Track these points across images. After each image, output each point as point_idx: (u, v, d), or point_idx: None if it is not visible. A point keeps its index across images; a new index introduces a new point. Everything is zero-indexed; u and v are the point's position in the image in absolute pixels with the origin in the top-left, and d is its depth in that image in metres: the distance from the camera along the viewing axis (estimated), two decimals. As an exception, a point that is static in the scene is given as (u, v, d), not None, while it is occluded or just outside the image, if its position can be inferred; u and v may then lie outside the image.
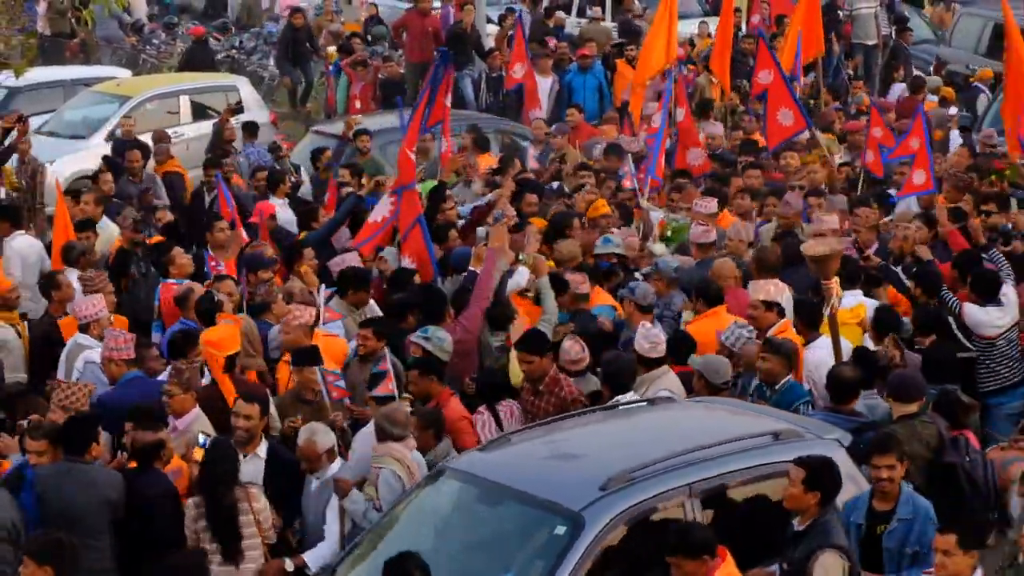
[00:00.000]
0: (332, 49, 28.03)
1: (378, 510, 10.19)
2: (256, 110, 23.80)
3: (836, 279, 11.89)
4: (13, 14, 17.54)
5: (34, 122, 21.66)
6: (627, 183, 17.02)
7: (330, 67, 27.21)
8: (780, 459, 9.71)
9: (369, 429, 10.97)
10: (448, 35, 26.46)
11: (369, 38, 29.00)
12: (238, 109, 22.46)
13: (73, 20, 27.16)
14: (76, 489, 10.09)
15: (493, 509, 9.60)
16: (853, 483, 10.00)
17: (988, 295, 12.92)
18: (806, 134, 19.00)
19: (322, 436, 10.52)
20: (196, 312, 13.07)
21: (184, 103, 23.38)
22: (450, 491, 9.82)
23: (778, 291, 12.65)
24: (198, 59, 27.68)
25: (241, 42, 31.27)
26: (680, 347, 12.00)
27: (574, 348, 12.12)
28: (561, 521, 9.05)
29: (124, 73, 26.54)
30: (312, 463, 10.52)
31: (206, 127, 21.63)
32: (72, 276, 13.98)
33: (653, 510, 9.23)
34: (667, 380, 11.61)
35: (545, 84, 23.92)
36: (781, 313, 12.48)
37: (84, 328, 12.83)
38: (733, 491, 9.53)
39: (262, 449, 10.71)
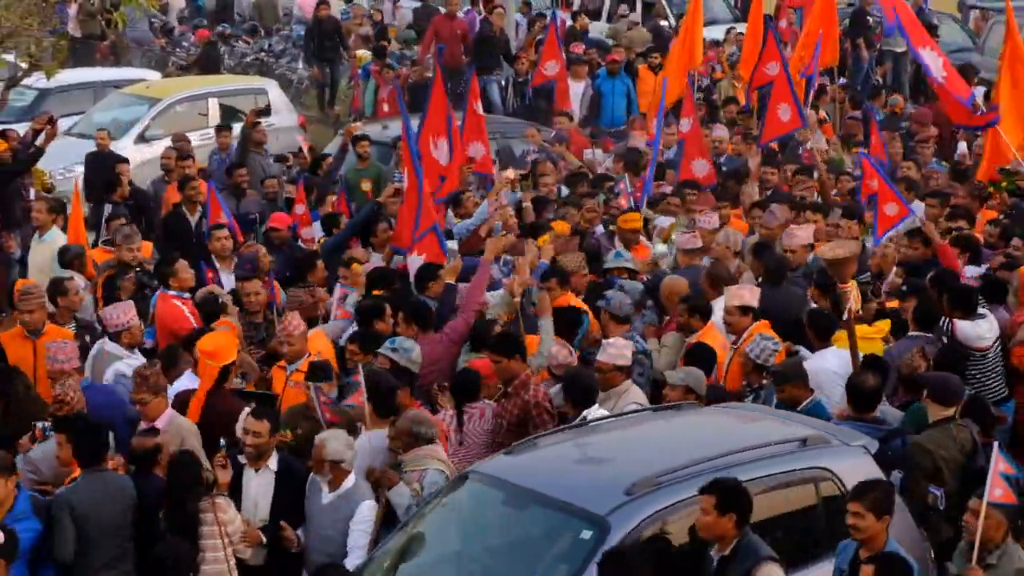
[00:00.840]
0: (361, 52, 28.09)
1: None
2: (285, 113, 23.89)
3: (853, 283, 11.84)
4: (44, 16, 17.62)
5: (64, 124, 21.77)
6: (623, 201, 16.78)
7: (359, 70, 27.27)
8: (807, 465, 9.71)
9: (366, 439, 10.87)
10: (476, 39, 26.52)
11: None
12: (264, 111, 22.52)
13: (103, 22, 27.28)
14: (105, 498, 10.09)
15: (518, 513, 9.57)
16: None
17: (966, 310, 12.55)
18: (824, 139, 18.96)
19: (331, 445, 10.28)
20: (200, 312, 13.09)
21: (213, 105, 23.46)
22: (476, 495, 9.79)
23: (752, 295, 12.69)
24: (211, 61, 27.79)
25: (270, 45, 31.38)
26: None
27: (561, 352, 12.13)
28: (587, 525, 9.03)
29: (153, 75, 26.65)
30: (316, 464, 10.38)
31: (235, 130, 21.68)
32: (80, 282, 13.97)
33: (680, 515, 9.21)
34: (633, 393, 11.55)
35: (578, 88, 23.97)
36: (756, 317, 12.56)
37: (114, 337, 12.64)
38: (760, 497, 9.49)
39: (273, 462, 10.51)
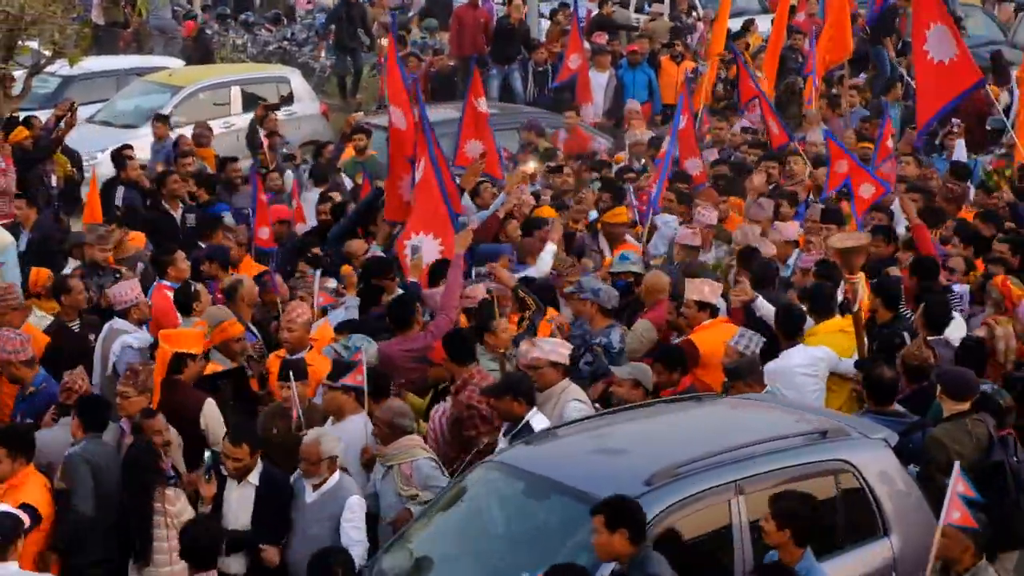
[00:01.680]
0: (384, 41, 28.10)
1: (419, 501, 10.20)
2: (307, 101, 23.92)
3: (862, 274, 11.79)
4: (68, 3, 17.67)
5: (87, 111, 21.87)
6: (629, 214, 16.43)
7: (382, 59, 27.27)
8: (827, 457, 9.70)
9: (350, 426, 10.82)
10: (496, 29, 26.54)
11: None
12: (287, 100, 22.56)
13: (126, 10, 27.36)
14: (110, 460, 10.36)
15: (538, 502, 9.58)
16: (902, 484, 9.98)
17: (936, 328, 12.28)
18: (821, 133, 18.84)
19: (328, 442, 10.20)
20: (175, 303, 13.07)
21: (235, 93, 23.50)
22: (495, 483, 9.81)
23: (713, 291, 12.63)
24: (203, 52, 27.82)
25: (292, 33, 31.42)
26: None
27: (531, 351, 11.66)
28: (606, 516, 9.04)
29: (176, 63, 26.70)
30: (311, 466, 10.17)
31: (246, 118, 21.77)
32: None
33: (699, 506, 9.21)
34: (572, 391, 11.30)
35: (601, 79, 23.97)
36: (714, 313, 12.55)
37: (122, 314, 12.80)
38: (779, 489, 9.48)
39: (254, 476, 10.28)
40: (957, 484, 8.66)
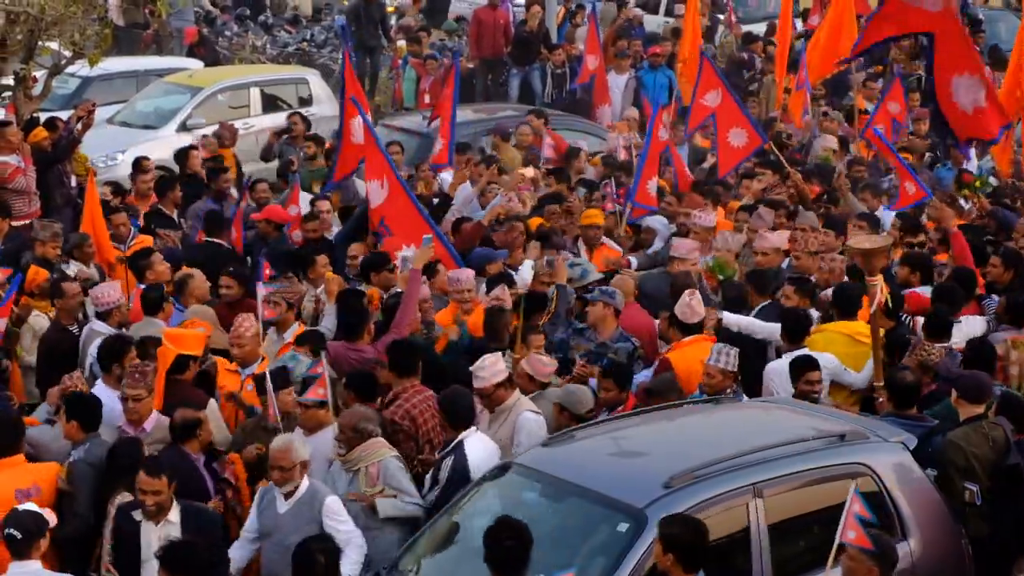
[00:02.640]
0: (402, 43, 28.15)
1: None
2: (326, 103, 23.93)
3: (880, 276, 11.79)
4: (89, 4, 17.70)
5: (106, 112, 21.90)
6: (608, 206, 16.41)
7: (400, 61, 27.32)
8: (846, 460, 9.69)
9: (321, 438, 10.72)
10: (515, 35, 26.61)
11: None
12: (306, 101, 22.59)
13: (147, 11, 27.40)
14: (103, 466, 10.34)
15: (556, 505, 9.59)
16: (920, 487, 9.98)
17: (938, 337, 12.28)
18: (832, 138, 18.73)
19: (300, 447, 10.04)
20: (142, 302, 13.02)
21: (255, 95, 23.53)
22: (513, 486, 9.82)
23: (696, 310, 12.32)
24: (207, 58, 27.87)
25: (312, 35, 31.45)
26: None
27: (498, 363, 11.40)
28: (624, 518, 9.05)
29: (196, 64, 26.75)
30: (285, 474, 9.95)
31: (277, 119, 21.76)
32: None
33: (717, 509, 9.21)
34: (523, 403, 11.14)
35: (619, 81, 23.95)
36: (691, 331, 12.28)
37: (103, 316, 12.84)
38: (798, 491, 9.50)
39: (174, 514, 9.74)
40: (854, 504, 8.52)
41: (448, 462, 10.41)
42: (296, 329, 12.80)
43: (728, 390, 11.20)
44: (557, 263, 13.65)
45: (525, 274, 14.17)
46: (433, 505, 10.24)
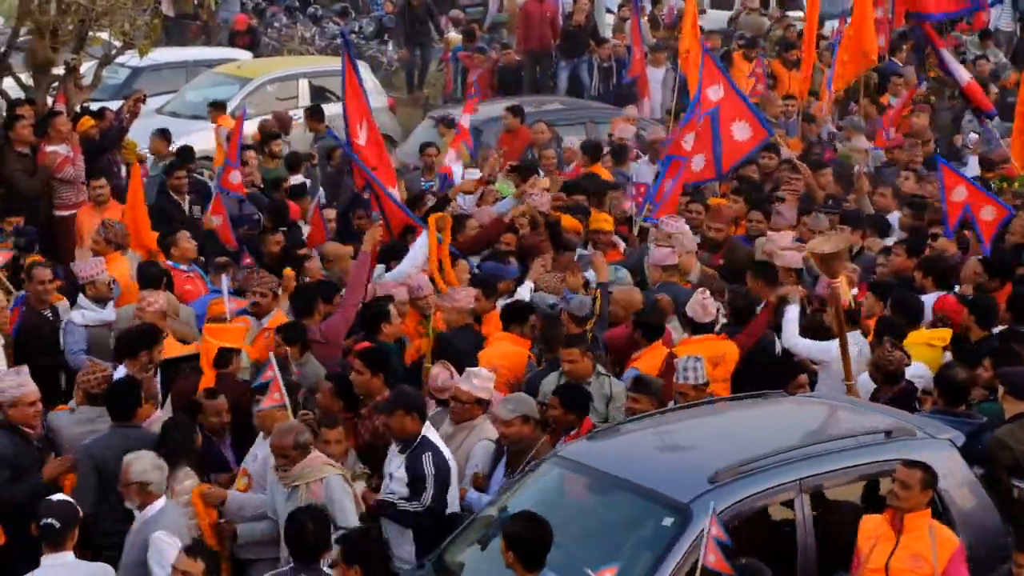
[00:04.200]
0: (453, 34, 28.18)
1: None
2: (375, 95, 23.92)
3: (843, 278, 11.66)
4: (140, -5, 17.80)
5: (155, 102, 22.02)
6: (626, 205, 15.94)
7: (450, 53, 27.37)
8: (892, 457, 9.60)
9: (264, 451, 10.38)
10: (563, 29, 26.59)
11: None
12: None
13: (196, 2, 27.53)
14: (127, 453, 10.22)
15: (601, 498, 9.57)
16: (967, 486, 9.91)
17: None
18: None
19: (138, 465, 9.59)
20: (142, 277, 13.25)
21: (303, 86, 23.60)
22: (559, 479, 9.82)
23: (709, 308, 12.18)
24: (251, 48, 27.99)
25: (360, 27, 31.50)
26: None
27: (441, 375, 11.21)
28: (669, 513, 9.03)
29: (245, 55, 26.84)
30: (125, 488, 9.67)
31: (326, 109, 21.80)
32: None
33: (762, 504, 9.18)
34: (484, 429, 10.84)
35: (657, 75, 23.84)
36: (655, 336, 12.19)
37: (82, 288, 13.07)
38: (843, 488, 9.45)
39: None
40: (712, 527, 8.44)
41: (427, 458, 10.11)
42: (274, 315, 12.65)
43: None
44: (598, 261, 13.34)
45: (523, 294, 13.53)
46: (430, 505, 10.04)
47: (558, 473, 9.83)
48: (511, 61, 26.26)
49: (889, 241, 15.19)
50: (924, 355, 11.96)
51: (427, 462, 10.10)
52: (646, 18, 27.37)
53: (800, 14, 28.99)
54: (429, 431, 10.32)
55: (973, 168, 18.25)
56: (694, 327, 12.16)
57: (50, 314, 13.15)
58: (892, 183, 17.30)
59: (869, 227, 15.52)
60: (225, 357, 11.49)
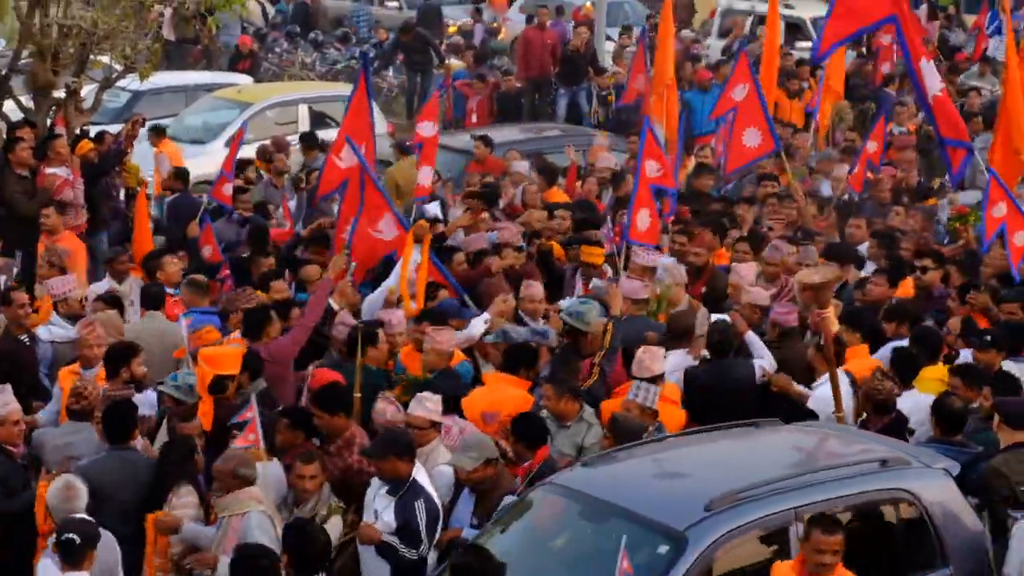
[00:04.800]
0: (453, 61, 28.27)
1: None
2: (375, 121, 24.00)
3: (831, 308, 11.62)
4: (141, 19, 17.81)
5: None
6: (607, 246, 15.45)
7: (448, 80, 27.44)
8: (887, 486, 9.66)
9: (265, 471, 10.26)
10: (562, 56, 26.66)
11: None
12: None
13: (198, 27, 27.57)
14: (123, 477, 10.31)
15: (596, 525, 9.56)
16: (962, 515, 9.91)
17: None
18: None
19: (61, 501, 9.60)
20: (144, 298, 13.41)
21: (303, 111, 23.65)
22: (553, 506, 9.82)
23: (652, 361, 11.79)
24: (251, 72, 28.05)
25: (361, 52, 31.57)
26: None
27: (388, 409, 11.12)
28: (664, 540, 9.05)
29: (245, 80, 26.90)
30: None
31: (325, 135, 21.84)
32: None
33: (757, 532, 9.18)
34: (440, 454, 10.78)
35: None
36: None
37: (55, 306, 13.17)
38: (839, 517, 9.44)
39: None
40: (622, 561, 8.42)
41: (419, 506, 10.02)
42: (235, 335, 12.69)
43: (649, 427, 10.93)
44: (612, 292, 13.04)
45: (474, 330, 13.07)
46: (425, 556, 9.99)
47: (553, 500, 9.82)
48: (511, 88, 26.33)
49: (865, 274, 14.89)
50: (935, 391, 11.71)
51: (419, 511, 10.00)
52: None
53: (808, 44, 29.15)
54: (419, 472, 10.25)
55: (944, 210, 17.79)
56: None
57: (27, 339, 13.03)
58: (869, 216, 17.01)
59: (850, 261, 15.29)
60: (220, 384, 11.43)
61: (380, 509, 10.16)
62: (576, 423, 11.37)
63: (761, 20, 31.33)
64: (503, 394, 11.88)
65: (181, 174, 18.22)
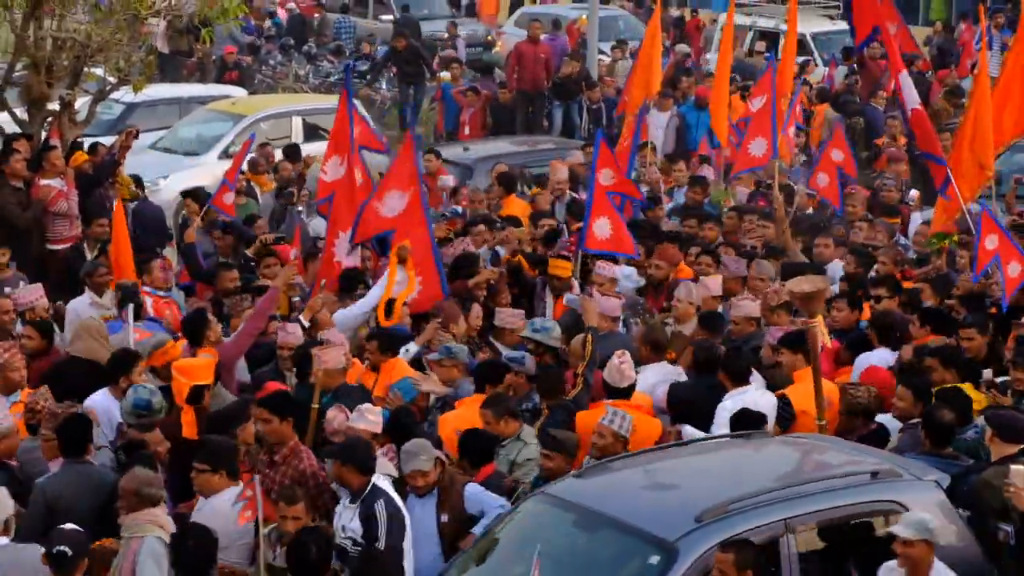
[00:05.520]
0: (445, 74, 28.33)
1: None
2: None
3: (820, 318, 11.63)
4: (134, 31, 17.86)
5: (150, 138, 22.11)
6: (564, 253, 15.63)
7: (440, 92, 27.52)
8: (878, 498, 9.68)
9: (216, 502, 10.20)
10: (554, 80, 26.78)
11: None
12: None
13: (191, 40, 27.66)
14: (81, 490, 10.19)
15: (587, 535, 9.59)
16: (953, 527, 9.91)
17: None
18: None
19: None
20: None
21: (296, 123, 23.70)
22: (545, 516, 9.83)
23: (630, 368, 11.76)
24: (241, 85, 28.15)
25: (354, 65, 31.64)
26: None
27: (337, 418, 11.19)
28: (655, 551, 9.06)
29: (239, 92, 26.96)
30: None
31: (318, 147, 21.88)
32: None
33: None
34: (383, 465, 10.58)
35: (661, 118, 23.78)
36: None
37: (21, 315, 13.24)
38: (829, 528, 9.48)
39: None
40: (535, 571, 8.53)
41: (379, 506, 9.99)
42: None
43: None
44: (587, 306, 13.03)
45: (404, 359, 12.92)
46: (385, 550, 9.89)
47: (544, 509, 9.85)
48: (507, 100, 26.42)
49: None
50: None
51: (380, 511, 9.97)
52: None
53: (809, 59, 29.30)
54: (379, 480, 10.25)
55: (915, 224, 17.81)
56: (610, 392, 11.72)
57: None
58: (836, 232, 16.89)
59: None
60: (198, 393, 11.35)
61: (345, 523, 10.11)
62: (512, 442, 11.36)
63: (762, 35, 31.66)
64: (472, 415, 11.68)
65: (139, 180, 18.31)
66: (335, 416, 11.24)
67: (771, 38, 31.63)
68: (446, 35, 33.65)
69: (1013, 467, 9.91)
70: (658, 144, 23.38)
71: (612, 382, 11.65)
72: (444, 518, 10.36)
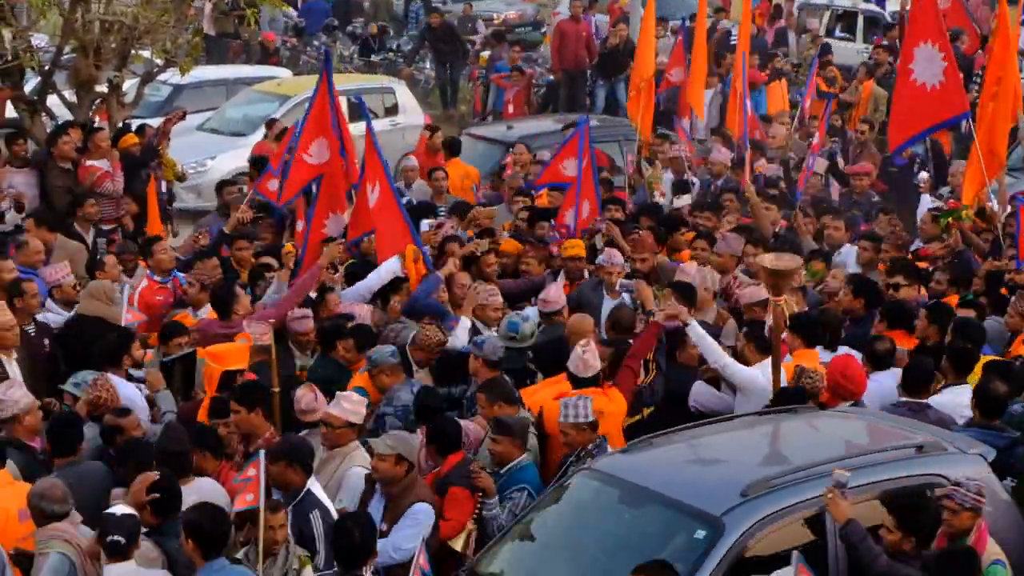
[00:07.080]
0: (485, 53, 28.39)
1: None
2: (411, 112, 24.15)
3: (786, 297, 11.55)
4: (181, 14, 17.99)
5: (197, 119, 22.25)
6: (553, 249, 15.30)
7: (477, 71, 27.59)
8: (923, 472, 9.69)
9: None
10: (601, 51, 26.74)
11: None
12: (392, 110, 22.76)
13: (236, 21, 27.78)
14: (81, 494, 9.78)
15: (633, 511, 9.65)
16: (998, 499, 9.91)
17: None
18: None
19: None
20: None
21: (341, 104, 23.69)
22: (591, 491, 9.88)
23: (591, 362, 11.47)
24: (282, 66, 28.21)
25: (398, 45, 31.73)
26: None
27: (305, 397, 10.81)
28: (701, 525, 9.09)
29: (285, 73, 27.06)
30: None
31: (363, 128, 21.94)
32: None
33: (793, 518, 9.25)
34: (358, 457, 10.54)
35: (706, 95, 23.75)
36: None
37: (50, 292, 13.41)
38: (874, 502, 9.51)
39: None
40: (420, 556, 8.65)
41: (315, 516, 9.73)
42: (208, 312, 13.05)
43: (590, 444, 10.55)
44: (643, 290, 12.95)
45: (459, 339, 12.72)
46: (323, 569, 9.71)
47: (591, 485, 9.90)
48: (558, 77, 26.46)
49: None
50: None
51: (315, 522, 9.73)
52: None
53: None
54: (314, 485, 9.96)
55: (925, 205, 17.67)
56: (575, 381, 11.41)
57: (32, 330, 12.87)
58: (847, 217, 16.83)
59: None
60: (231, 380, 11.25)
61: None
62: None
63: (838, 16, 31.44)
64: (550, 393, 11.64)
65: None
66: (304, 395, 10.83)
67: (849, 18, 31.49)
68: (515, 13, 33.67)
69: None
70: (700, 121, 23.37)
71: (576, 372, 11.38)
72: (384, 527, 10.03)
